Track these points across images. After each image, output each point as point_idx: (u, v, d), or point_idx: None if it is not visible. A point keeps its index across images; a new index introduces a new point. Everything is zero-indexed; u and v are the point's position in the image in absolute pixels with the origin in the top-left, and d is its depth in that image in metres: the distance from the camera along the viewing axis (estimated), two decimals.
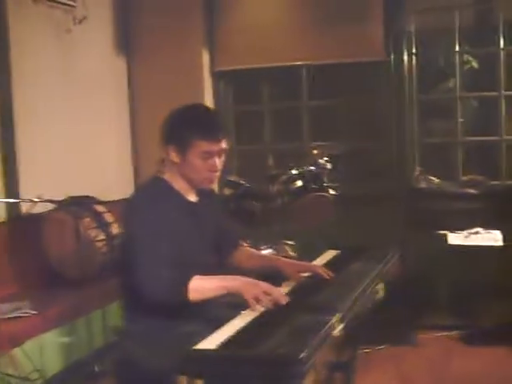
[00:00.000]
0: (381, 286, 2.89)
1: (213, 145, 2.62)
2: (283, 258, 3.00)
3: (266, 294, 2.39)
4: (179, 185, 2.71)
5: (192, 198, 2.77)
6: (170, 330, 2.55)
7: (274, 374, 1.85)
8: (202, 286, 2.47)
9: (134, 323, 2.67)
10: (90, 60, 5.35)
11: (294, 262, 2.94)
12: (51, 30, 4.92)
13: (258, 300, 2.37)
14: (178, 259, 2.53)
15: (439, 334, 4.78)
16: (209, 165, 2.64)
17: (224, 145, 2.67)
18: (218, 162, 2.67)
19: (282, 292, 2.47)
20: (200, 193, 2.80)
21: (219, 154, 2.66)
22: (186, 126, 2.65)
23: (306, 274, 2.80)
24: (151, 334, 2.57)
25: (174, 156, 2.66)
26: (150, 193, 2.68)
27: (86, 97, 5.26)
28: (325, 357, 2.03)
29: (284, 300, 2.40)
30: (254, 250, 3.13)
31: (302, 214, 4.50)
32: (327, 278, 2.73)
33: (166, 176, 2.72)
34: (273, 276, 2.85)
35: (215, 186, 5.05)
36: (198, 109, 2.80)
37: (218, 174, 2.69)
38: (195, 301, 2.45)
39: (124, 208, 2.70)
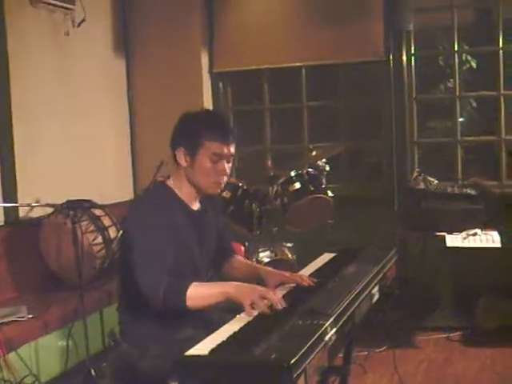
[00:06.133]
0: (377, 289, 2.86)
1: (224, 147, 2.60)
2: (267, 268, 2.96)
3: (263, 298, 2.36)
4: (184, 192, 2.67)
5: (195, 206, 2.72)
6: (165, 335, 2.55)
7: (264, 380, 1.84)
8: (200, 293, 2.44)
9: (130, 327, 2.66)
10: (89, 63, 5.35)
11: (277, 272, 2.83)
12: (50, 33, 4.92)
13: (253, 305, 2.34)
14: (177, 268, 2.52)
15: (438, 336, 4.77)
16: (218, 168, 2.61)
17: (233, 149, 2.65)
18: (227, 166, 2.64)
19: (278, 296, 2.42)
20: (202, 200, 2.76)
21: (228, 158, 2.64)
22: (198, 127, 2.61)
23: (290, 285, 2.73)
24: (146, 339, 2.56)
25: (182, 159, 2.62)
26: (153, 200, 2.64)
27: (84, 100, 5.25)
28: (318, 362, 2.00)
29: (280, 305, 2.35)
30: (242, 259, 3.09)
31: (301, 215, 4.49)
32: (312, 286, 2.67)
33: (171, 182, 2.69)
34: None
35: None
36: (209, 112, 2.79)
37: (225, 179, 2.66)
38: (193, 308, 2.42)
39: (127, 214, 2.66)
